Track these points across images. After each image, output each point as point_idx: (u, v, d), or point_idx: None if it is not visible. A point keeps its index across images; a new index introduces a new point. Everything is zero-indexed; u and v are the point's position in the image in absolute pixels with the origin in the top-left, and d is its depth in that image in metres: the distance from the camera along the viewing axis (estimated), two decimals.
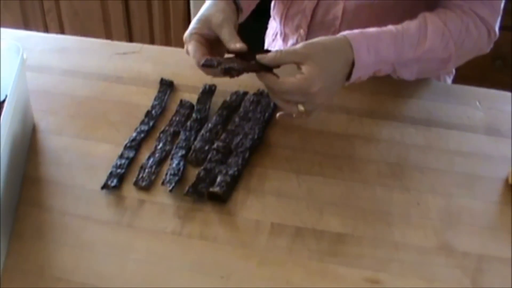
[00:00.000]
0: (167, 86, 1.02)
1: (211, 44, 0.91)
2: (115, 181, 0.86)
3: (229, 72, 0.85)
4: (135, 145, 0.92)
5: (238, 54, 0.87)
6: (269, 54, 0.86)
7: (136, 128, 0.94)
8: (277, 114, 0.91)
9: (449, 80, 1.18)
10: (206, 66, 0.86)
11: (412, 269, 0.77)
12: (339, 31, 1.05)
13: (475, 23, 0.96)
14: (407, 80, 0.98)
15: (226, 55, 0.90)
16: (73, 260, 0.77)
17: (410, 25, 0.93)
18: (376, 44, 0.89)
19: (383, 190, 0.87)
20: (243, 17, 1.00)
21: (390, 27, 0.92)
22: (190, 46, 0.89)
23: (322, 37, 0.88)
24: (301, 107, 0.86)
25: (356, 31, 0.90)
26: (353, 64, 0.88)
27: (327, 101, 0.88)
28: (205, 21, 0.91)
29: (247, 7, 1.01)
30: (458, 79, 1.19)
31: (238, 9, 0.96)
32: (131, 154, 0.90)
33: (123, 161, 0.89)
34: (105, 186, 0.85)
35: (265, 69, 0.86)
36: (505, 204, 0.86)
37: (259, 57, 0.86)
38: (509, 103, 1.02)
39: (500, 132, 0.97)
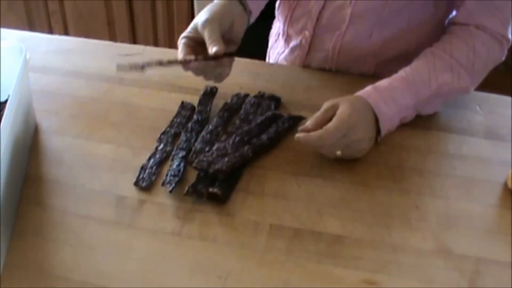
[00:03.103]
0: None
1: (202, 47, 0.91)
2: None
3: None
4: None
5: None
6: (312, 134, 0.87)
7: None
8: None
9: None
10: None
11: (410, 271, 0.77)
12: (345, 34, 1.06)
13: (482, 42, 0.96)
14: None
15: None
16: (73, 259, 0.77)
17: (418, 65, 0.95)
18: (391, 95, 0.92)
19: (382, 193, 0.87)
20: (252, 18, 1.01)
21: (400, 73, 0.95)
22: (179, 48, 0.91)
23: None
24: (338, 153, 0.88)
25: (368, 88, 0.93)
26: (376, 119, 0.90)
27: (363, 146, 0.90)
28: (195, 23, 0.92)
29: (256, 8, 1.02)
30: None
31: (246, 10, 0.97)
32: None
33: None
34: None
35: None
36: (503, 208, 0.86)
37: (299, 138, 0.88)
38: (509, 108, 1.03)
39: (500, 136, 0.97)
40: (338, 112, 0.88)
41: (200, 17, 0.91)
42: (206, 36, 0.89)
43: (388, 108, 0.91)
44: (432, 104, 0.97)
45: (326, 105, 0.90)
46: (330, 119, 0.88)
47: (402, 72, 0.95)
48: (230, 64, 0.92)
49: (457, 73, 0.95)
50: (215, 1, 0.95)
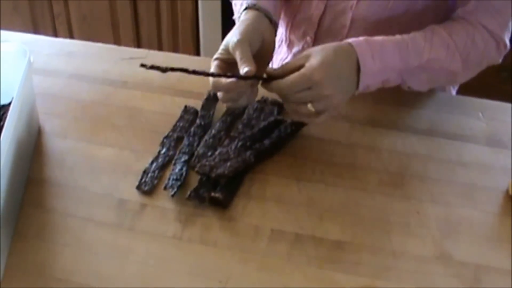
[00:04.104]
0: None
1: (234, 67, 0.89)
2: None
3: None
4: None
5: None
6: (273, 82, 0.87)
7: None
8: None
9: (453, 91, 1.19)
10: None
11: (409, 277, 0.77)
12: (346, 39, 1.06)
13: (482, 36, 0.97)
14: (412, 91, 0.99)
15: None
16: (74, 261, 0.78)
17: (416, 34, 0.95)
18: (380, 51, 0.90)
19: (383, 199, 0.87)
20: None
21: (397, 36, 0.94)
22: (211, 69, 0.89)
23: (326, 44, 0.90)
24: (310, 107, 0.86)
25: (361, 38, 0.91)
26: (359, 71, 0.89)
27: (337, 101, 0.87)
28: (226, 44, 0.90)
29: (278, 19, 1.01)
30: (463, 90, 1.19)
31: (272, 23, 0.96)
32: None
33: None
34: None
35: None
36: (504, 215, 0.86)
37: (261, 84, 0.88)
38: (511, 115, 1.03)
39: (502, 143, 0.97)
40: (307, 64, 0.86)
41: (231, 38, 0.89)
42: (237, 56, 0.87)
43: (374, 62, 0.89)
44: (418, 77, 0.96)
45: (304, 53, 0.89)
46: (299, 68, 0.86)
47: (398, 36, 0.94)
48: (255, 93, 0.91)
49: (451, 54, 0.95)
50: (242, 19, 0.94)
